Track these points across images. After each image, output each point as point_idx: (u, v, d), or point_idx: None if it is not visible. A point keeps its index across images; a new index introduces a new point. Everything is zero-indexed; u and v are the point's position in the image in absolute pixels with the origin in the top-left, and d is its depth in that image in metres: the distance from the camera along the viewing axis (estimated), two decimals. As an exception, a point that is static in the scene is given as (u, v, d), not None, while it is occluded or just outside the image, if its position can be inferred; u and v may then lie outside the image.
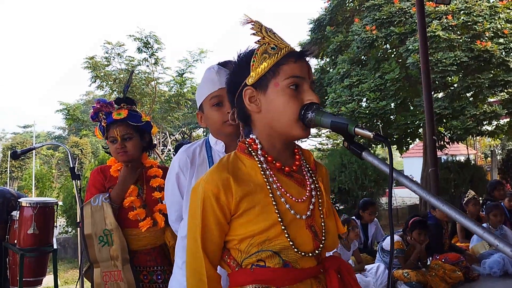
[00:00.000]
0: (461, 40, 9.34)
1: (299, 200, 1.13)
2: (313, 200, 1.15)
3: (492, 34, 9.48)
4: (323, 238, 1.14)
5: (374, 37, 10.06)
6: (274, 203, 1.09)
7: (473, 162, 13.05)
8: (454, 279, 4.31)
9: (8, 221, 3.26)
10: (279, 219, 1.08)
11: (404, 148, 11.60)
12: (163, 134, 18.24)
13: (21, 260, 3.07)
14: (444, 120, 9.95)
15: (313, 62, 10.47)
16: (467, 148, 16.20)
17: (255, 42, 1.14)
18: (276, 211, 1.08)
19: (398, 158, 24.90)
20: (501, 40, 9.42)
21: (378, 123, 10.27)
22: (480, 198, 6.31)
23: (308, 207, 1.13)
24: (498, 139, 15.51)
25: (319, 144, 19.74)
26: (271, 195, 1.10)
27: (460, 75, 9.86)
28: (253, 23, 1.14)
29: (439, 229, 4.80)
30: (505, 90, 9.96)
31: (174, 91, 14.28)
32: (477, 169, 10.77)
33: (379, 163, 1.03)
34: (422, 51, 5.94)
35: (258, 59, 1.12)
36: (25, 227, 3.15)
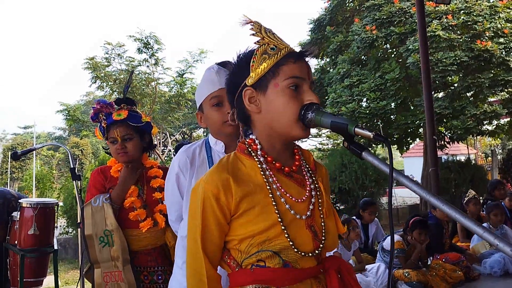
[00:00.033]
0: (461, 40, 9.34)
1: (299, 200, 1.13)
2: (313, 200, 1.15)
3: (492, 34, 9.48)
4: (323, 238, 1.14)
5: (374, 37, 10.06)
6: (274, 203, 1.09)
7: (473, 161, 13.05)
8: (455, 279, 4.31)
9: (9, 222, 3.26)
10: (279, 219, 1.08)
11: (405, 148, 11.60)
12: (164, 135, 18.23)
13: (21, 260, 3.07)
14: (445, 120, 9.94)
15: (313, 62, 10.45)
16: (468, 147, 16.21)
17: (255, 43, 1.13)
18: (276, 211, 1.08)
19: (398, 158, 24.91)
20: (501, 40, 9.42)
21: (378, 123, 10.26)
22: (481, 198, 6.32)
23: (308, 207, 1.13)
24: (498, 139, 15.50)
25: (319, 144, 19.75)
26: (271, 195, 1.10)
27: (460, 75, 9.86)
28: (252, 23, 1.14)
29: (439, 229, 4.80)
30: (505, 90, 9.95)
31: (174, 92, 14.27)
32: (477, 168, 10.75)
33: (379, 163, 1.03)
34: (422, 51, 5.94)
35: (258, 60, 1.12)
36: (25, 227, 3.15)
